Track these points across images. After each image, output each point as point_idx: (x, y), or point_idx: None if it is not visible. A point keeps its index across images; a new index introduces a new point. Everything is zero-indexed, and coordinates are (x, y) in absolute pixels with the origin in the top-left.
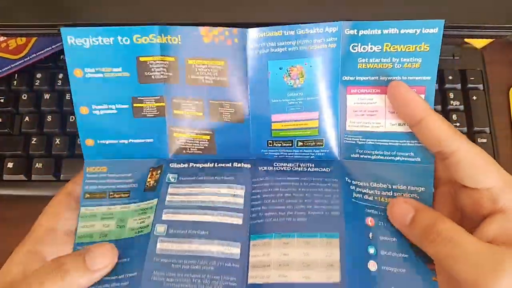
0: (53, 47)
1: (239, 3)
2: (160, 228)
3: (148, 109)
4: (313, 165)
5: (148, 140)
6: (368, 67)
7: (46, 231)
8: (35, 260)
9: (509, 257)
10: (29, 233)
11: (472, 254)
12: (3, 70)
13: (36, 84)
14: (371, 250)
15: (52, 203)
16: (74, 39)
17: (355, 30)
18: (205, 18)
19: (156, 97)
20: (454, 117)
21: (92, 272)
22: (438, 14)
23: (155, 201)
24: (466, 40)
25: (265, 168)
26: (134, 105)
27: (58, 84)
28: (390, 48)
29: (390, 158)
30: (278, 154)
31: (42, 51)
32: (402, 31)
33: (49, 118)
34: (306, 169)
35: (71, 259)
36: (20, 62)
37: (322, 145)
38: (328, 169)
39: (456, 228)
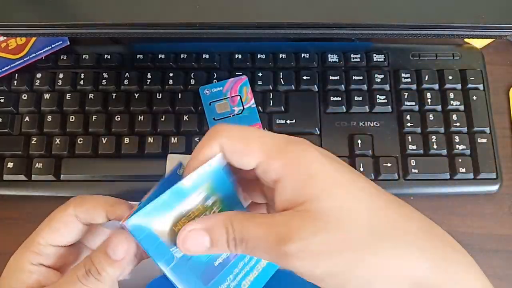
0: (52, 46)
1: (238, 3)
2: None
3: None
4: None
5: None
6: None
7: (48, 246)
8: (44, 271)
9: (286, 223)
10: (29, 240)
11: (259, 240)
12: (3, 70)
13: (36, 84)
14: None
15: (55, 218)
16: None
17: None
18: (204, 19)
19: None
20: (454, 117)
21: (118, 262)
22: (438, 14)
23: None
24: (466, 40)
25: None
26: None
27: (58, 84)
28: None
29: None
30: None
31: (42, 51)
32: None
33: (49, 118)
34: None
35: (100, 256)
36: (20, 62)
37: None
38: None
39: (242, 222)
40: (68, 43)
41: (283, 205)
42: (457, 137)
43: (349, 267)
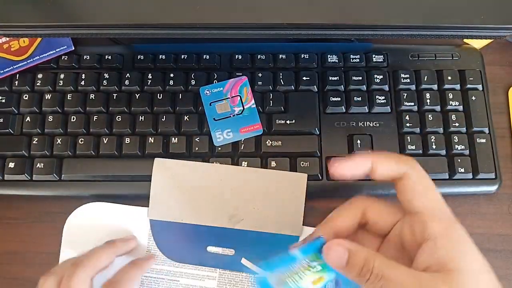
0: (56, 50)
1: (238, 4)
2: None
3: None
4: None
5: None
6: None
7: None
8: None
9: (435, 284)
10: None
11: (402, 286)
12: (4, 71)
13: (37, 84)
14: None
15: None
16: None
17: None
18: (204, 20)
19: None
20: (453, 117)
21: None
22: (438, 14)
23: None
24: (465, 40)
25: None
26: None
27: (60, 84)
28: None
29: None
30: None
31: (45, 54)
32: None
33: (50, 118)
34: None
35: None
36: (22, 64)
37: None
38: None
39: (387, 264)
40: (73, 48)
41: (429, 261)
42: (456, 137)
43: None
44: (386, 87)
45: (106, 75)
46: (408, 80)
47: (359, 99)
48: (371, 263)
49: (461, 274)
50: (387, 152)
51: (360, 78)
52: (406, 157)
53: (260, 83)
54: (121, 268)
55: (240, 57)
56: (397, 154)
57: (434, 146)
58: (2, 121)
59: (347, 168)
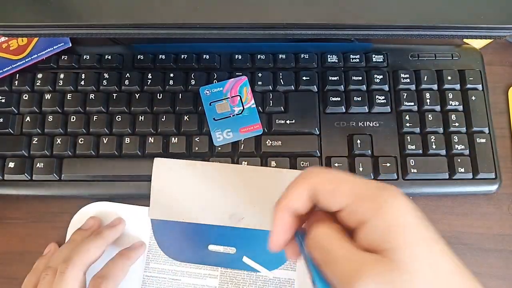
0: (54, 47)
1: (238, 4)
2: None
3: None
4: None
5: None
6: None
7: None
8: None
9: (367, 263)
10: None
11: (337, 260)
12: (4, 70)
13: (37, 84)
14: None
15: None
16: None
17: None
18: (204, 19)
19: None
20: (453, 117)
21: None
22: (438, 14)
23: None
24: (465, 40)
25: None
26: None
27: (59, 84)
28: None
29: None
30: None
31: (43, 52)
32: None
33: (50, 118)
34: None
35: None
36: (21, 62)
37: None
38: None
39: (329, 235)
40: (70, 44)
41: (365, 245)
42: (456, 137)
43: None
44: (386, 87)
45: (106, 75)
46: (408, 80)
47: (359, 99)
48: (314, 232)
49: (397, 251)
50: (289, 186)
51: (360, 78)
52: (302, 175)
53: (260, 83)
54: (109, 261)
55: (240, 57)
56: (295, 180)
57: (434, 146)
58: (2, 121)
59: (280, 238)
